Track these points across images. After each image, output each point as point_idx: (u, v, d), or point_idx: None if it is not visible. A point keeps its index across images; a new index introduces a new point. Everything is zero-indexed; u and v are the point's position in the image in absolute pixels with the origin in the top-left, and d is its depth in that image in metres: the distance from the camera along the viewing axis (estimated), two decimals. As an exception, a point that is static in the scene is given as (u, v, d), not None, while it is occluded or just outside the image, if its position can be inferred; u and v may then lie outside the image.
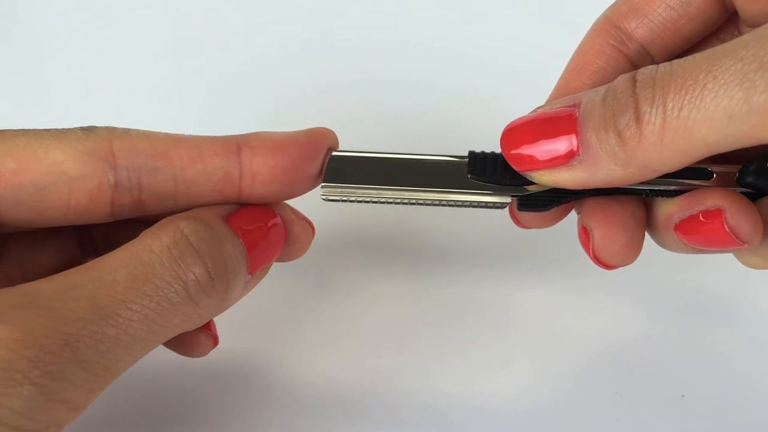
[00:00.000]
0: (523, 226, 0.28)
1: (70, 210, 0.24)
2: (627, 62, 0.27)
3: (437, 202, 0.26)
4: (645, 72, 0.22)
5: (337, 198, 0.26)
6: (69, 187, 0.23)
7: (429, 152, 0.26)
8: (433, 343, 0.32)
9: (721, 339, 0.32)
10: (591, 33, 0.27)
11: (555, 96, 0.27)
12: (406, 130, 0.41)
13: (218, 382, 0.30)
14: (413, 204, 0.26)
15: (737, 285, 0.33)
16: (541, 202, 0.25)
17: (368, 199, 0.26)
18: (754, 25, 0.26)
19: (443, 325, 0.32)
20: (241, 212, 0.25)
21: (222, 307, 0.24)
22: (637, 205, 0.26)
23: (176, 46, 0.46)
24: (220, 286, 0.23)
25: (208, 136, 0.25)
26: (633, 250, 0.26)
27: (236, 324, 0.30)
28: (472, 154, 0.26)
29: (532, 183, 0.24)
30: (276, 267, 0.27)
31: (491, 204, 0.25)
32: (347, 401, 0.29)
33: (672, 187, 0.25)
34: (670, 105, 0.20)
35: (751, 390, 0.30)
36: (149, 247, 0.22)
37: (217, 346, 0.29)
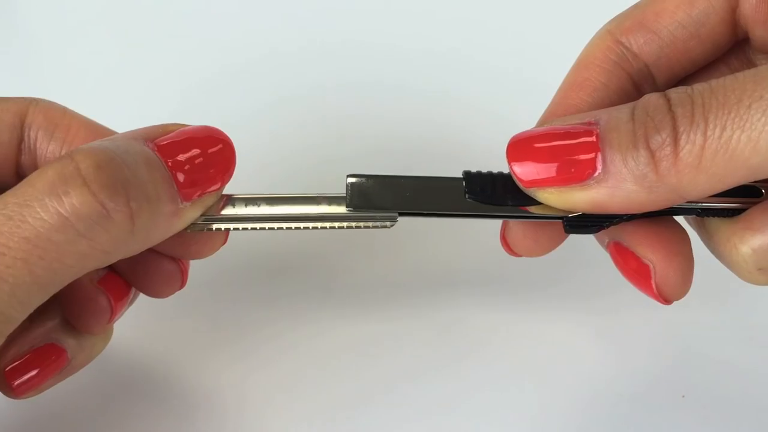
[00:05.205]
0: (515, 254, 0.26)
1: None
2: (629, 80, 0.25)
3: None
4: (679, 90, 0.20)
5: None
6: None
7: (426, 170, 0.24)
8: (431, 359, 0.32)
9: (721, 339, 0.32)
10: (591, 47, 0.25)
11: (552, 111, 0.25)
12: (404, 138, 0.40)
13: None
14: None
15: (737, 285, 0.33)
16: (590, 224, 0.23)
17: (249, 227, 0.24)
18: (766, 52, 0.25)
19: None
20: (174, 134, 0.23)
21: (140, 239, 0.22)
22: (681, 227, 0.24)
23: (173, 47, 0.46)
24: (120, 217, 0.21)
25: (127, 133, 0.23)
26: (691, 280, 0.24)
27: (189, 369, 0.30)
28: (467, 174, 0.24)
29: (535, 203, 0.23)
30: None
31: (377, 226, 0.24)
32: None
33: (729, 205, 0.23)
34: (712, 124, 0.19)
35: (751, 390, 0.30)
36: (31, 183, 0.20)
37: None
